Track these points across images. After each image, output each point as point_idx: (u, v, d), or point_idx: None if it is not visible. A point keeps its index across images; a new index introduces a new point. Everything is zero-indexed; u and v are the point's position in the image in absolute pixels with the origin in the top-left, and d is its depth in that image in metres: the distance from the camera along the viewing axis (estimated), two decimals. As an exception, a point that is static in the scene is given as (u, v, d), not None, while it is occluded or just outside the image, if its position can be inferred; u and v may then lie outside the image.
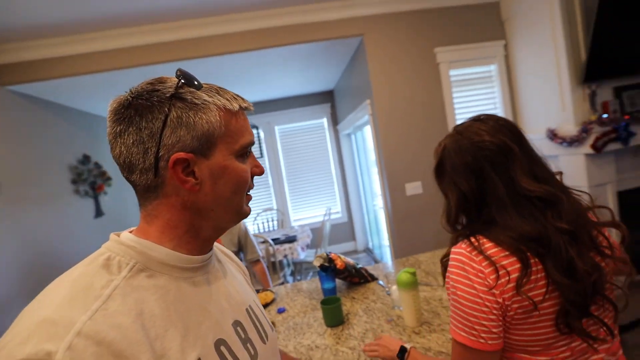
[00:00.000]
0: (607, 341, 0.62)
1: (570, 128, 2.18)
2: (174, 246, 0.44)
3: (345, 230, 4.58)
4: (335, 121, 4.46)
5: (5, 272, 2.20)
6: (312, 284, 1.63)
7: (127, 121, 0.41)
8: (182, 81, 0.43)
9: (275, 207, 4.46)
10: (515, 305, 0.58)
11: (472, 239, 0.63)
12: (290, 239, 3.16)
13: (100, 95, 2.97)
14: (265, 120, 4.35)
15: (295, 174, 4.50)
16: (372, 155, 3.39)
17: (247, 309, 0.53)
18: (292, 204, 4.54)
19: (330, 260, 1.43)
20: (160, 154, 0.41)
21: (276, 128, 4.41)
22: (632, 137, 2.15)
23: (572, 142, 2.14)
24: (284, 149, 4.47)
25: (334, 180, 4.56)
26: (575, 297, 0.56)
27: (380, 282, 1.49)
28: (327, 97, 4.47)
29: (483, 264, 0.60)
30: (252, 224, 4.22)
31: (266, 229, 4.20)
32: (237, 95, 0.47)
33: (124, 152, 0.42)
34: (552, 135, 2.28)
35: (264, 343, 0.53)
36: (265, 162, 4.40)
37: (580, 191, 0.67)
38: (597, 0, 2.03)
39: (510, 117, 2.71)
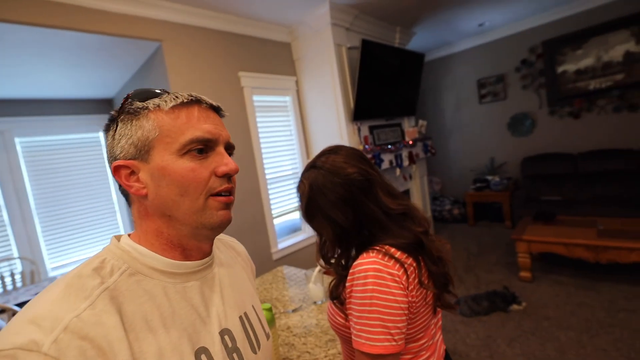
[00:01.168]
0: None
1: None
2: (163, 250, 0.47)
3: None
4: (116, 137, 3.65)
5: None
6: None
7: (106, 138, 0.49)
8: (130, 95, 0.47)
9: (17, 255, 3.07)
10: (417, 300, 0.66)
11: (378, 247, 0.66)
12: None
13: None
14: (-3, 129, 2.97)
15: (53, 204, 3.29)
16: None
17: (241, 317, 0.54)
18: (49, 248, 3.27)
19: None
20: (112, 166, 0.47)
21: (17, 140, 3.10)
22: (382, 162, 2.97)
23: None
24: (33, 169, 3.18)
25: (116, 209, 3.68)
26: (444, 281, 0.70)
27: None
28: (105, 107, 3.61)
29: (396, 267, 0.64)
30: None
31: (7, 289, 2.81)
32: (182, 94, 0.48)
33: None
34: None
35: (255, 353, 0.53)
36: (-6, 190, 2.97)
37: None
38: (358, 66, 2.78)
39: (303, 143, 3.14)
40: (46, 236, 3.25)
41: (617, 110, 3.58)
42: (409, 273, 0.65)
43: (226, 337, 0.49)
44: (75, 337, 0.36)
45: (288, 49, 3.05)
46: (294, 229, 3.33)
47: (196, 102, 0.49)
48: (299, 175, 2.84)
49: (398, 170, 3.28)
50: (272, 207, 2.94)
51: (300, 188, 0.76)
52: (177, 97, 0.47)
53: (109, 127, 0.48)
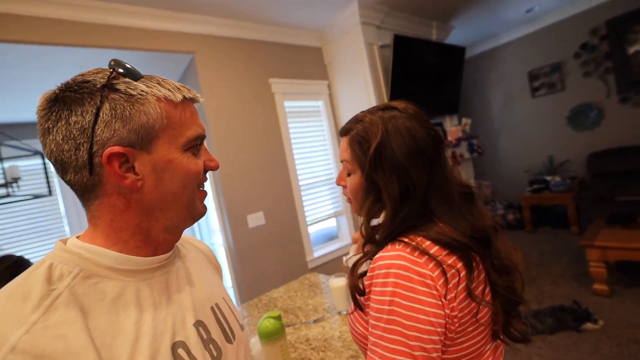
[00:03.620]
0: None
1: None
2: (123, 248, 0.43)
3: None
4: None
5: None
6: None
7: (56, 116, 0.39)
8: (119, 70, 0.42)
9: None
10: (461, 314, 0.49)
11: (407, 239, 0.52)
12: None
13: None
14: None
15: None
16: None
17: (212, 307, 0.52)
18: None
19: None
20: (94, 149, 0.40)
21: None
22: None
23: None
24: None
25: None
26: (508, 298, 0.52)
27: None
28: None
29: (429, 267, 0.49)
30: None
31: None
32: (182, 86, 0.46)
33: (55, 149, 0.40)
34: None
35: (230, 343, 0.51)
36: (59, 201, 3.27)
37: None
38: (390, 65, 2.64)
39: (336, 147, 3.04)
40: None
41: None
42: (449, 276, 0.49)
43: (200, 329, 0.47)
44: (28, 358, 0.31)
45: (319, 54, 3.01)
46: (330, 237, 3.22)
47: (194, 99, 0.48)
48: (334, 179, 2.72)
49: (440, 173, 3.04)
50: (307, 214, 2.86)
51: (363, 125, 0.60)
52: (179, 89, 0.45)
53: (82, 99, 0.39)
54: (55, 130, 0.39)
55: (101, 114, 0.39)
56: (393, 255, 0.51)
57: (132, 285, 0.42)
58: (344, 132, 0.65)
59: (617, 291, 2.35)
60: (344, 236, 3.16)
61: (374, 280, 0.52)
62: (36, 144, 3.04)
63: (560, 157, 4.01)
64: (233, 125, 2.44)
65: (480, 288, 0.52)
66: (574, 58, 3.75)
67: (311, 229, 2.89)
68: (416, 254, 0.51)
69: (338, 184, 0.70)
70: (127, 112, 0.40)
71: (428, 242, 0.52)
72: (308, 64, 2.92)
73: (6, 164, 2.52)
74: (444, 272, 0.49)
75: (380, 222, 0.60)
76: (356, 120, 0.63)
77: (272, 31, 2.67)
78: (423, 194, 0.56)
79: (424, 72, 2.99)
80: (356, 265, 0.60)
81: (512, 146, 4.45)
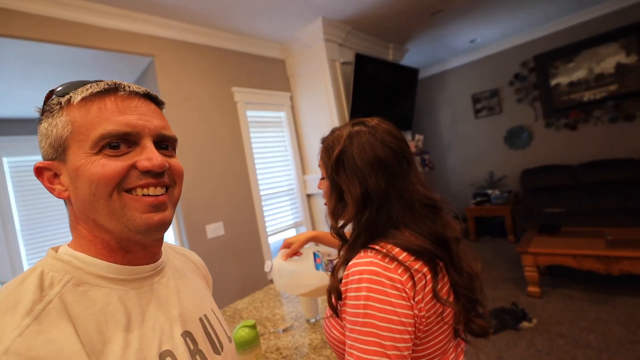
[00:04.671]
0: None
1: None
2: (103, 257, 0.43)
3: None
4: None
5: None
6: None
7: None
8: (58, 89, 0.43)
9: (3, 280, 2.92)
10: (428, 314, 0.54)
11: (378, 247, 0.56)
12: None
13: None
14: (-15, 149, 2.91)
15: (39, 226, 3.17)
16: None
17: (201, 319, 0.51)
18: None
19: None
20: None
21: (4, 160, 3.03)
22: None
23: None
24: (19, 190, 3.09)
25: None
26: (469, 297, 0.58)
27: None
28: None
29: (399, 272, 0.53)
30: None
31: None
32: (100, 82, 0.43)
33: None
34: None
35: (218, 354, 0.51)
36: (-21, 212, 2.87)
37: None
38: (352, 81, 2.76)
39: (298, 158, 3.08)
40: (30, 259, 3.11)
41: (614, 120, 3.57)
42: (416, 280, 0.54)
43: (188, 339, 0.47)
44: (22, 359, 0.31)
45: (282, 65, 3.05)
46: (290, 248, 3.20)
47: (113, 90, 0.42)
48: (294, 190, 2.73)
49: (396, 185, 3.21)
50: (267, 224, 2.84)
51: (332, 136, 0.69)
52: (89, 87, 0.42)
53: (40, 122, 0.44)
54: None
55: (40, 135, 0.43)
56: (365, 262, 0.56)
57: (121, 294, 0.42)
58: (321, 142, 0.74)
59: (547, 292, 2.64)
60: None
61: (349, 286, 0.56)
62: None
63: (499, 172, 4.45)
64: (193, 133, 2.37)
65: (445, 289, 0.57)
66: (509, 85, 4.23)
67: (271, 240, 2.86)
68: (386, 260, 0.55)
69: (318, 187, 0.77)
70: (46, 128, 0.43)
71: (397, 249, 0.57)
72: (271, 74, 2.95)
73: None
74: (412, 277, 0.54)
75: (344, 222, 0.68)
76: (331, 132, 0.72)
77: (237, 40, 2.66)
78: (381, 198, 0.62)
79: (382, 90, 3.17)
80: (335, 269, 0.64)
81: (458, 162, 4.84)
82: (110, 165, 0.40)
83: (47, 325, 0.35)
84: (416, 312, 0.53)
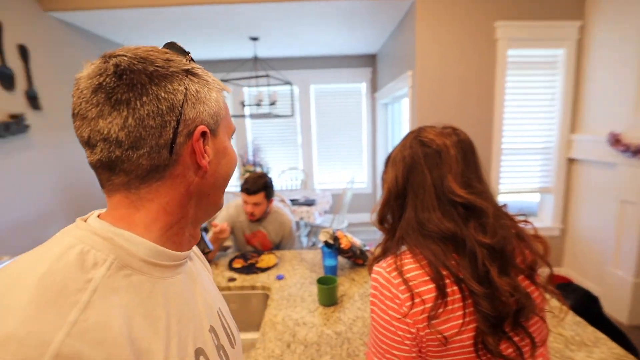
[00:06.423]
0: None
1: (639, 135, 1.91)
2: (160, 237, 0.39)
3: (368, 201, 4.54)
4: (374, 88, 4.22)
5: (48, 192, 2.40)
6: (316, 255, 1.64)
7: (140, 89, 0.34)
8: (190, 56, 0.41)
9: (300, 167, 4.46)
10: (431, 337, 0.54)
11: (396, 256, 0.60)
12: (309, 203, 3.17)
13: (139, 32, 2.97)
14: (301, 78, 4.19)
15: (325, 137, 4.41)
16: (406, 129, 3.23)
17: (217, 312, 0.49)
18: (318, 167, 4.51)
19: (335, 238, 1.42)
20: (180, 128, 0.37)
21: (312, 87, 4.26)
22: None
23: (638, 152, 1.89)
24: (317, 109, 4.35)
25: (363, 149, 4.44)
26: (491, 311, 0.52)
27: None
28: (369, 61, 4.20)
29: (400, 288, 0.56)
30: (276, 180, 4.25)
31: (288, 188, 4.25)
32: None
33: (132, 124, 0.34)
34: (614, 141, 2.01)
35: (233, 347, 0.49)
36: (296, 121, 4.33)
37: (524, 220, 0.64)
38: None
39: (568, 111, 2.43)
40: (318, 158, 4.48)
41: None
42: (415, 302, 0.54)
43: (213, 335, 0.44)
44: None
45: (581, -19, 2.27)
46: (525, 213, 2.82)
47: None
48: (551, 149, 2.31)
49: None
50: (502, 181, 2.59)
51: None
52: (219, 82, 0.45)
53: (171, 76, 0.37)
54: (138, 103, 0.34)
55: (189, 94, 0.38)
56: (377, 271, 0.61)
57: (159, 283, 0.38)
58: None
59: None
60: (544, 217, 2.70)
61: (371, 282, 0.62)
62: (286, 74, 4.00)
63: None
64: (441, 74, 2.38)
65: (458, 314, 0.53)
66: None
67: (502, 199, 2.62)
68: (394, 274, 0.57)
69: None
70: (207, 96, 0.40)
71: (412, 264, 0.57)
72: (555, -1, 2.28)
73: (265, 90, 3.51)
74: (412, 297, 0.54)
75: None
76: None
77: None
78: (399, 200, 0.64)
79: None
80: (373, 262, 0.68)
81: None
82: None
83: (94, 321, 0.29)
84: (414, 330, 0.54)
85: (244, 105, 3.70)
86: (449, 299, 0.53)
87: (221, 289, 1.35)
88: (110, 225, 0.36)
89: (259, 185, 1.66)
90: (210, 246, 1.28)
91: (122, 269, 0.34)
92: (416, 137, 0.65)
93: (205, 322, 0.44)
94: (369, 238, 3.83)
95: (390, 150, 0.72)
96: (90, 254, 0.33)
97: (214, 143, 0.42)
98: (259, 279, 1.41)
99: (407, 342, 0.54)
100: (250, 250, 1.74)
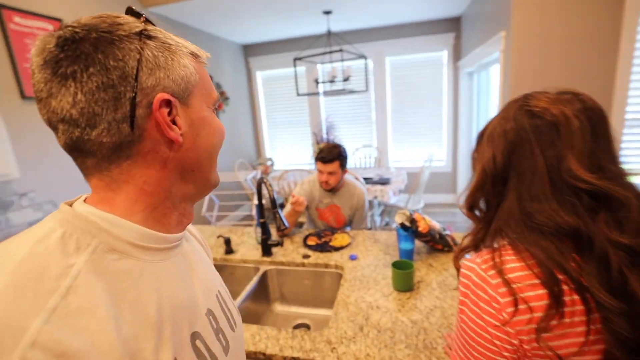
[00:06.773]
0: None
1: None
2: (145, 219, 0.36)
3: (447, 180, 4.22)
4: (457, 56, 3.79)
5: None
6: (390, 236, 1.59)
7: (84, 59, 0.31)
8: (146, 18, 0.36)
9: (374, 145, 4.34)
10: (539, 352, 0.44)
11: (493, 250, 0.49)
12: (384, 181, 3.08)
13: (223, 19, 3.13)
14: (376, 50, 3.97)
15: (401, 112, 4.18)
16: (495, 101, 2.86)
17: (217, 295, 0.47)
18: (392, 144, 4.33)
19: (412, 220, 1.34)
20: (138, 99, 0.33)
21: (387, 59, 4.03)
22: None
23: None
24: (392, 82, 4.11)
25: (443, 124, 4.09)
26: (629, 332, 0.40)
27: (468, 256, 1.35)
28: (451, 26, 3.76)
29: (500, 290, 0.46)
30: (349, 158, 4.20)
31: (362, 166, 4.19)
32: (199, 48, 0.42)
33: (82, 100, 0.31)
34: None
35: (233, 331, 0.48)
36: (370, 96, 4.18)
37: None
38: None
39: None
40: (393, 135, 4.29)
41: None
42: (520, 309, 0.44)
43: (211, 318, 0.43)
44: (50, 356, 0.24)
45: None
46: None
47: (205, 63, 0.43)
48: None
49: None
50: (623, 162, 2.13)
51: None
52: (199, 49, 0.41)
53: (119, 41, 0.32)
54: (85, 75, 0.31)
55: (144, 60, 0.33)
56: (470, 267, 0.51)
57: (150, 266, 0.36)
58: None
59: None
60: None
61: (459, 278, 0.53)
62: (360, 48, 3.84)
63: None
64: (542, 32, 2.01)
65: (579, 330, 0.43)
66: None
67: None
68: (491, 272, 0.47)
69: None
70: (168, 61, 0.35)
71: (515, 262, 0.47)
72: None
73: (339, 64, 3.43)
74: (515, 302, 0.44)
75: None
76: None
77: None
78: (498, 182, 0.53)
79: None
80: (459, 254, 0.61)
81: None
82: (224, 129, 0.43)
83: (76, 307, 0.27)
84: (516, 342, 0.45)
85: (317, 83, 3.70)
86: (566, 309, 0.43)
87: (296, 264, 1.40)
88: (93, 208, 0.34)
89: (334, 154, 1.68)
90: (286, 223, 1.32)
91: (108, 252, 0.33)
92: (522, 107, 0.52)
93: (202, 305, 0.42)
94: (447, 220, 3.59)
95: (478, 124, 0.60)
96: (73, 238, 0.31)
97: (187, 113, 0.38)
98: (333, 258, 1.41)
99: (506, 354, 0.46)
100: (323, 229, 1.77)
